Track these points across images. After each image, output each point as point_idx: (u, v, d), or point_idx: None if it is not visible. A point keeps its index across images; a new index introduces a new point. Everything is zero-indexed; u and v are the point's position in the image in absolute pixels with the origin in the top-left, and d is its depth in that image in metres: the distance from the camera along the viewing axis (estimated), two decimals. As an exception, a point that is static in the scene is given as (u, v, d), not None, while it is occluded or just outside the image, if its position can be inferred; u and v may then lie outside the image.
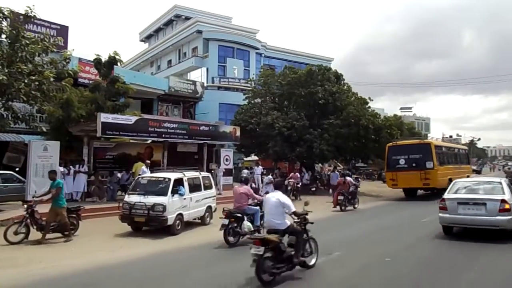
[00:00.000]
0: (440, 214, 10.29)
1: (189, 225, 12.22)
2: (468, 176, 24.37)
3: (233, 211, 9.75)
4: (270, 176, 17.71)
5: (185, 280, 6.96)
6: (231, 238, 9.49)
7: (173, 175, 11.52)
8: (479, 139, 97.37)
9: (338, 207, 16.83)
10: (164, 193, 10.87)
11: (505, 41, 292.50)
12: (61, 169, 15.31)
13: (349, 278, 6.97)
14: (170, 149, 19.59)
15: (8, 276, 7.04)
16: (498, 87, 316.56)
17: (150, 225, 10.94)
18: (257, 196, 10.42)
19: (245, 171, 26.28)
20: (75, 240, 10.24)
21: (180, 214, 11.22)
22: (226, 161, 21.54)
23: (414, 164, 21.08)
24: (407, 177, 21.02)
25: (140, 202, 10.76)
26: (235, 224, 9.54)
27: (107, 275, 7.33)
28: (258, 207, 9.92)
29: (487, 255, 8.54)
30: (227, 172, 21.35)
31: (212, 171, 20.45)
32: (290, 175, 21.35)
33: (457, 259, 8.24)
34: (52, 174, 10.56)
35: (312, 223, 7.33)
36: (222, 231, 9.47)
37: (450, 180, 20.84)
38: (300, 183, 22.06)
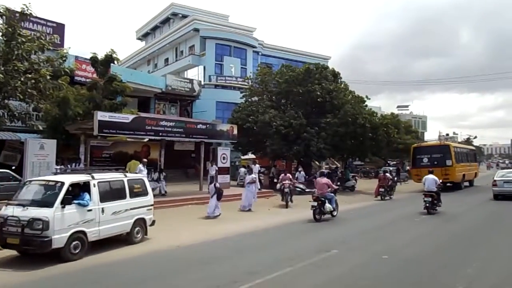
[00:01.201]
0: (493, 188, 19.52)
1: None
2: (476, 173, 31.65)
3: (319, 196, 13.33)
4: (253, 175, 17.36)
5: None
6: (317, 216, 13.16)
7: (69, 178, 8.47)
8: (475, 137, 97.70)
9: (379, 197, 20.94)
10: (49, 204, 7.80)
11: (501, 39, 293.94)
12: (57, 167, 15.25)
13: (346, 275, 7.00)
14: (167, 148, 19.57)
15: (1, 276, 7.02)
16: (495, 85, 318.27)
17: (26, 249, 7.83)
18: (334, 186, 14.64)
19: (242, 169, 26.38)
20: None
21: (81, 232, 8.17)
22: (223, 159, 21.49)
23: (435, 162, 24.85)
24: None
25: (14, 216, 7.67)
26: (317, 206, 13.20)
27: (107, 273, 7.32)
28: (333, 194, 13.95)
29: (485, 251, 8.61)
30: (224, 171, 21.31)
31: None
32: (281, 176, 18.50)
33: (454, 257, 8.29)
34: None
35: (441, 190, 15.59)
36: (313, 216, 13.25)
37: (464, 176, 26.85)
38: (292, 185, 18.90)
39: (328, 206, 13.39)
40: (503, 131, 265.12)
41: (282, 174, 18.77)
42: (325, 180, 14.17)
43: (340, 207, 14.52)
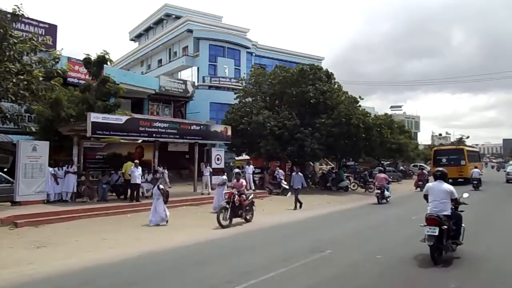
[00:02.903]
0: (507, 176, 34.00)
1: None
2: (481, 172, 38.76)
3: (380, 186, 19.26)
4: (223, 177, 16.70)
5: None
6: (379, 200, 18.96)
7: None
8: (468, 137, 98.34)
9: (418, 188, 26.30)
10: None
11: (494, 40, 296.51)
12: (50, 169, 15.16)
13: (341, 273, 7.04)
14: (161, 149, 19.52)
15: (-3, 278, 6.97)
16: (487, 85, 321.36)
17: None
18: (389, 179, 21.01)
19: (236, 170, 26.36)
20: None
21: None
22: (218, 160, 21.49)
23: (452, 162, 30.57)
24: (448, 170, 27.46)
25: None
26: (380, 193, 19.13)
27: (100, 274, 7.29)
28: (389, 185, 20.37)
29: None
30: (218, 172, 21.29)
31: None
32: (233, 182, 13.96)
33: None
34: None
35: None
36: (376, 199, 19.12)
37: (472, 173, 31.32)
38: (251, 197, 13.48)
39: (386, 193, 19.38)
40: (495, 131, 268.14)
41: (235, 181, 13.64)
42: (383, 175, 20.37)
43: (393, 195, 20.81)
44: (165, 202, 12.71)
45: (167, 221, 12.61)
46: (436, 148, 37.90)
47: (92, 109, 16.77)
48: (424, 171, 29.69)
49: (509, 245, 9.43)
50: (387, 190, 19.51)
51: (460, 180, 29.73)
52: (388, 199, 19.38)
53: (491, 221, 13.52)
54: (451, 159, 31.30)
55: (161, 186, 12.94)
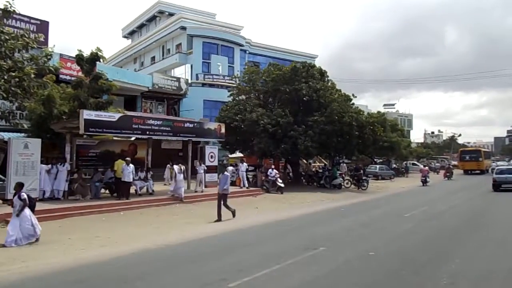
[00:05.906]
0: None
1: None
2: (491, 165, 50.68)
3: (425, 175, 30.72)
4: (180, 166, 17.66)
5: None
6: (423, 184, 30.07)
7: None
8: (459, 135, 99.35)
9: (446, 178, 37.32)
10: None
11: (486, 39, 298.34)
12: (44, 166, 15.03)
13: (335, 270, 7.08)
14: (154, 147, 19.44)
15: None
16: (479, 84, 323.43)
17: None
18: (428, 170, 34.45)
19: (230, 168, 26.33)
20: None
21: None
22: (211, 158, 21.45)
23: (473, 159, 46.23)
24: (469, 164, 46.23)
25: None
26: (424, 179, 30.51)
27: (93, 272, 7.26)
28: (429, 174, 32.16)
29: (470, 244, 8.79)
30: (212, 169, 21.27)
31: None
32: None
33: (446, 250, 8.45)
34: None
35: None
36: (422, 183, 30.37)
37: (486, 166, 47.37)
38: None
39: (428, 179, 30.33)
40: (486, 129, 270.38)
41: None
42: (426, 168, 33.13)
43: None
44: (33, 211, 9.96)
45: (37, 239, 9.65)
46: (462, 149, 52.91)
47: (84, 106, 16.61)
48: (450, 165, 42.41)
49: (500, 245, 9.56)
50: (428, 178, 30.52)
51: (477, 171, 45.31)
52: (428, 184, 29.75)
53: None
54: (472, 157, 46.55)
55: (24, 196, 9.78)
